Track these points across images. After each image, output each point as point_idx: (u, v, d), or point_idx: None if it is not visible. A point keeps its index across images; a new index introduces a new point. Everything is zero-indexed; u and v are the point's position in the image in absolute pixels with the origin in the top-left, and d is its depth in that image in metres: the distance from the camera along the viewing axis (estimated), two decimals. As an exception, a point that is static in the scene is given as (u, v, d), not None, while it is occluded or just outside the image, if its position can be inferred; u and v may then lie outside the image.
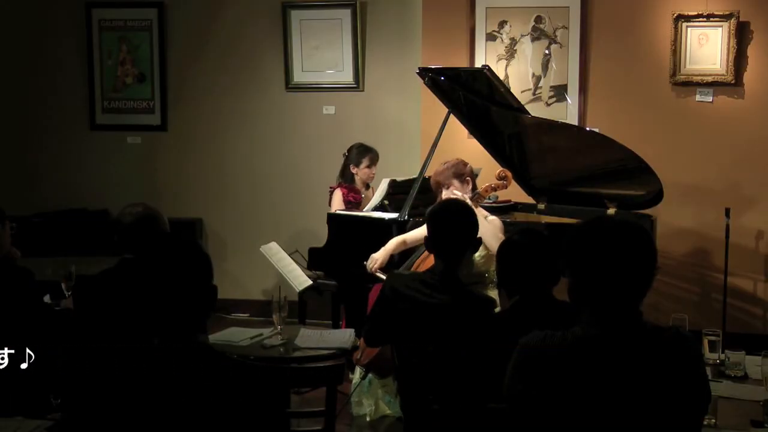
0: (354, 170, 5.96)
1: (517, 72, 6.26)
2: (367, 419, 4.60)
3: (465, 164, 4.64)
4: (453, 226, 3.40)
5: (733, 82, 5.90)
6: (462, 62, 6.24)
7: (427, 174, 5.16)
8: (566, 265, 2.18)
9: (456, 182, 4.55)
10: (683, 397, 2.10)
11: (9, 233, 3.63)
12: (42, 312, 3.57)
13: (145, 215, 3.50)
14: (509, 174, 4.83)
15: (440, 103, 5.43)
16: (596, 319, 2.13)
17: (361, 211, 5.63)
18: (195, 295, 2.17)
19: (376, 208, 5.49)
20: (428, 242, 3.47)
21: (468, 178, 4.59)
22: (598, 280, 2.13)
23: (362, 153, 5.98)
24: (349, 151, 6.03)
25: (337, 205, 5.82)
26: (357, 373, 4.60)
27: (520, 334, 2.23)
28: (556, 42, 6.20)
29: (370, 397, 4.61)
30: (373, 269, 4.78)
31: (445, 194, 4.52)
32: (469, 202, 4.24)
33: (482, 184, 4.74)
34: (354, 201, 5.88)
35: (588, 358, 2.09)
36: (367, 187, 6.04)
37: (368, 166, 5.96)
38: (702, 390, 2.14)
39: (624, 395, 2.07)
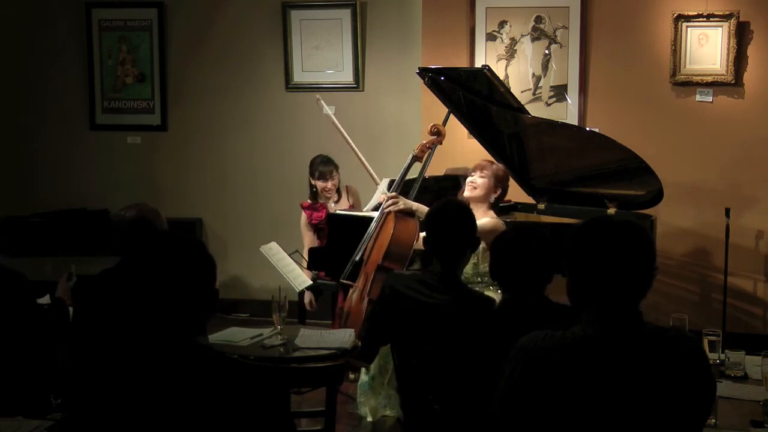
0: (312, 182, 5.86)
1: (517, 72, 6.26)
2: (369, 419, 4.60)
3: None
4: (452, 227, 3.40)
5: (733, 82, 5.90)
6: (462, 62, 6.24)
7: (426, 174, 5.16)
8: (566, 265, 2.18)
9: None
10: (686, 398, 2.09)
11: None
12: (35, 314, 3.55)
13: (140, 216, 3.49)
14: (442, 128, 4.97)
15: (440, 103, 5.42)
16: (596, 319, 2.13)
17: (361, 211, 5.62)
18: (196, 298, 2.15)
19: (376, 208, 5.48)
20: (427, 243, 3.46)
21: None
22: (598, 279, 2.13)
23: (312, 165, 5.84)
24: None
25: (303, 229, 5.80)
26: (362, 374, 4.61)
27: (511, 332, 2.23)
28: (556, 42, 6.20)
29: (371, 398, 4.61)
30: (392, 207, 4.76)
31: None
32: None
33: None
34: (317, 223, 5.73)
35: (588, 358, 2.09)
36: (338, 197, 5.86)
37: (319, 179, 5.77)
38: (708, 390, 2.13)
39: (625, 396, 2.07)
